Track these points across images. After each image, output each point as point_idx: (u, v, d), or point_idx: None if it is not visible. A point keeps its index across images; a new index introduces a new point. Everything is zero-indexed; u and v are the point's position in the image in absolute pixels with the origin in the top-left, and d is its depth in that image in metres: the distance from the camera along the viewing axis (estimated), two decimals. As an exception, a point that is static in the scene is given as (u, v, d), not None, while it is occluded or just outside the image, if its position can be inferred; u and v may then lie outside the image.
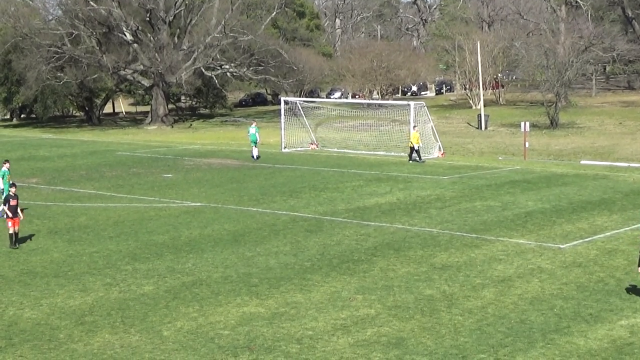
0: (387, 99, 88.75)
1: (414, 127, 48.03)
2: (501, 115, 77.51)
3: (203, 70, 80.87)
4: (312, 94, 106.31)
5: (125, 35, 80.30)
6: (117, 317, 19.13)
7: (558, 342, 17.22)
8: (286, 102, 59.35)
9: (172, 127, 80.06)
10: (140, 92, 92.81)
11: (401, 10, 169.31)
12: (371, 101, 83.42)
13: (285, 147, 54.75)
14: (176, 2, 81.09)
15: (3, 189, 30.46)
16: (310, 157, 51.08)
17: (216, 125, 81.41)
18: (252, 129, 50.35)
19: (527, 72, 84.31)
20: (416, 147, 46.87)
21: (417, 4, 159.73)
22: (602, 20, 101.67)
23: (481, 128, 67.83)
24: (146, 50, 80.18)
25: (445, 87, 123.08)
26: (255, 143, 49.98)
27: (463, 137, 61.06)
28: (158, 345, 17.31)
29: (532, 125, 58.61)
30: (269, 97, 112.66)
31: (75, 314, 19.35)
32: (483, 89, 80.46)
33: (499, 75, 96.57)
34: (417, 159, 46.75)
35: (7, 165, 32.58)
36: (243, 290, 21.17)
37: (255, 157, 49.42)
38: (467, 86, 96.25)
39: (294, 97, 78.52)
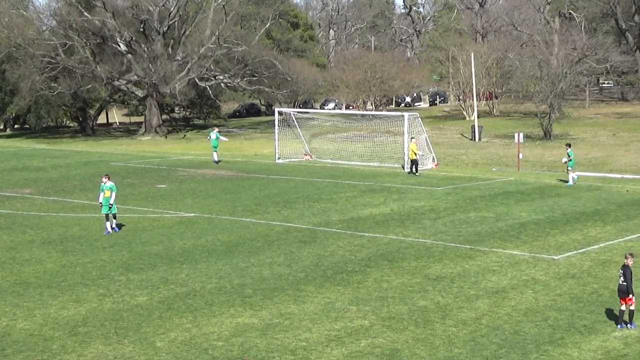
0: (381, 110, 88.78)
1: (412, 138, 48.01)
2: (495, 126, 77.59)
3: (197, 80, 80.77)
4: (306, 104, 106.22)
5: (119, 46, 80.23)
6: (111, 327, 19.10)
7: (552, 354, 17.22)
8: (280, 113, 59.51)
9: (166, 137, 79.91)
10: (134, 102, 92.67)
11: (395, 22, 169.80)
12: (365, 112, 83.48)
13: (279, 158, 54.76)
14: (170, 13, 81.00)
15: (112, 204, 30.18)
16: (304, 167, 51.09)
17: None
18: (213, 135, 54.59)
19: (520, 83, 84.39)
20: (411, 159, 46.73)
21: (411, 15, 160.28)
22: (595, 32, 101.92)
23: (475, 139, 67.82)
24: (140, 61, 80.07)
25: (439, 98, 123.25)
26: (216, 148, 53.87)
27: (457, 148, 61.11)
28: (152, 356, 17.28)
29: (526, 137, 58.67)
30: (263, 108, 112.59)
31: (68, 325, 19.31)
32: (477, 100, 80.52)
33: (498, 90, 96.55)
34: (414, 171, 46.64)
35: (108, 179, 30.61)
36: (237, 301, 21.15)
37: (216, 161, 52.94)
38: (460, 97, 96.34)
39: (288, 107, 78.57)
